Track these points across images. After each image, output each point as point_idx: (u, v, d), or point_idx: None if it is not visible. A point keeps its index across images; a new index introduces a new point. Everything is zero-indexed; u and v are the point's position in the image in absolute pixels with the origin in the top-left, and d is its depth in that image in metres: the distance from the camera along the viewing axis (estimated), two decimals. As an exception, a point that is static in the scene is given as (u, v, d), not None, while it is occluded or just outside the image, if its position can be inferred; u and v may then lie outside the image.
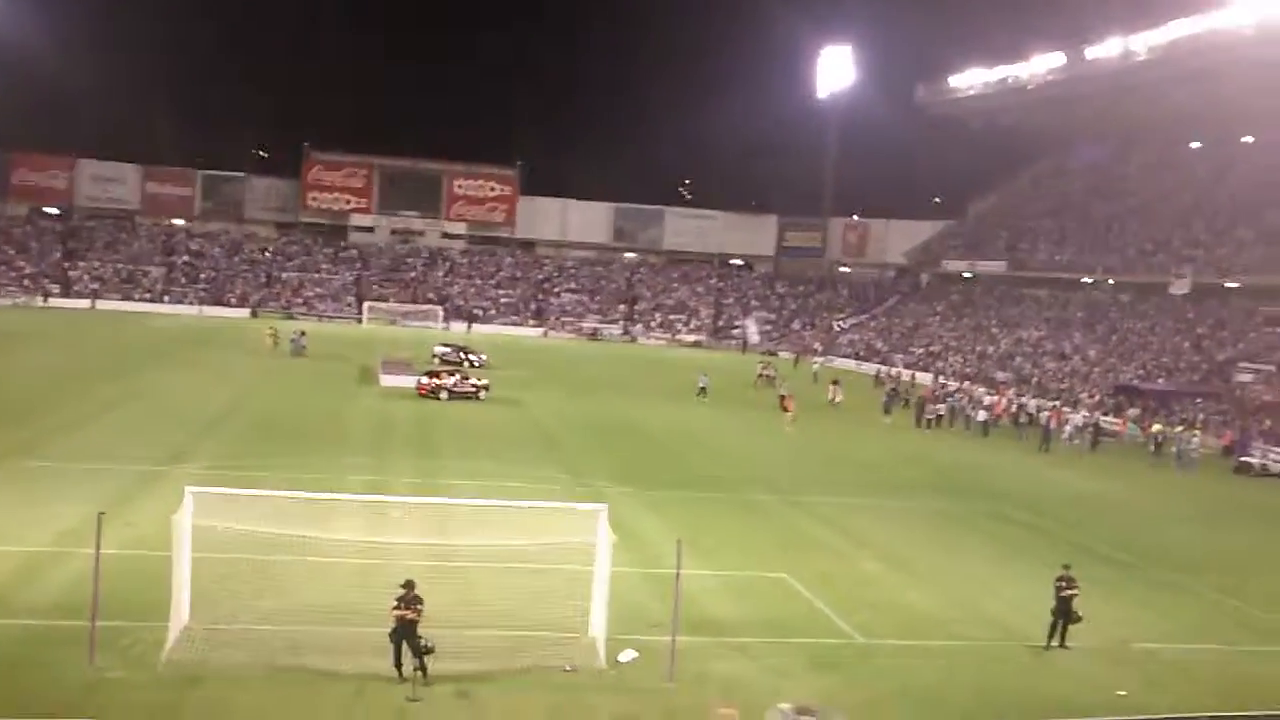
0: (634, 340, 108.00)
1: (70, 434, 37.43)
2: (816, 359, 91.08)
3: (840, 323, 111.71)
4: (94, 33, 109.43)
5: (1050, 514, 36.76)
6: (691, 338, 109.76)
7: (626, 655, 19.57)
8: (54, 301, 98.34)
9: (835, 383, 64.14)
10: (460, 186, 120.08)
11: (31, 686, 17.02)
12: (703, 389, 61.71)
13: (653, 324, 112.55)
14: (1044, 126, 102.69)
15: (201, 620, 19.26)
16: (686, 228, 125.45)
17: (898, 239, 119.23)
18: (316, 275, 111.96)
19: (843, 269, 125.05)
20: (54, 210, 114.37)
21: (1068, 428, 56.34)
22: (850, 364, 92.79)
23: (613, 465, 38.61)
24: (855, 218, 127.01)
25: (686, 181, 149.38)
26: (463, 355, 68.44)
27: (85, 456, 33.64)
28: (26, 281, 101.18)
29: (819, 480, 39.87)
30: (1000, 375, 78.45)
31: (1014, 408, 61.19)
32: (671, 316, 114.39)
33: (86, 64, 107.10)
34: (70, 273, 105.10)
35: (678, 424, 50.71)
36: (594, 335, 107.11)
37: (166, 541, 19.29)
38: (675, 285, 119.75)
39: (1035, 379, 75.84)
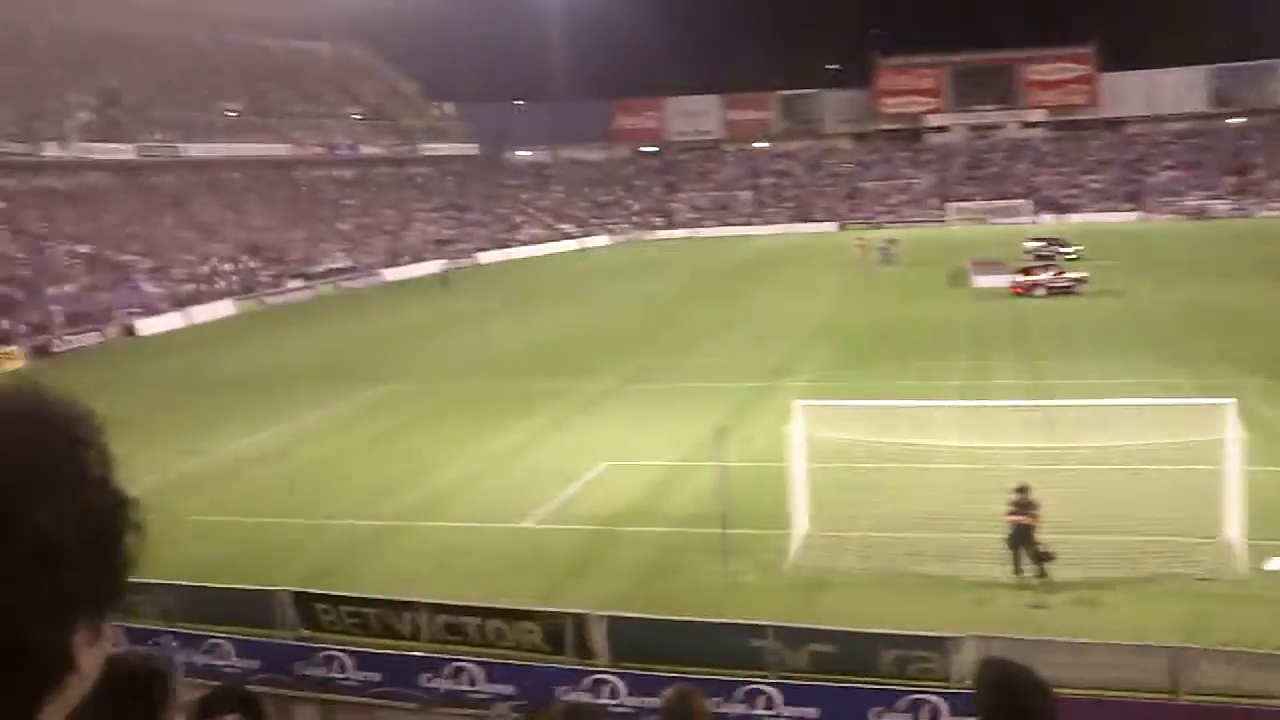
0: (1249, 215, 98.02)
1: (686, 355, 40.41)
2: None
3: None
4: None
5: None
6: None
7: (1274, 563, 17.86)
8: (660, 234, 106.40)
9: None
10: (1035, 72, 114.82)
11: (675, 588, 18.66)
12: None
13: (1272, 193, 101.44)
14: None
15: (820, 528, 20.04)
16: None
17: None
18: (897, 182, 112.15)
19: None
20: (651, 149, 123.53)
21: None
22: None
23: (1237, 353, 35.23)
24: None
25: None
26: (1055, 248, 65.61)
27: (701, 376, 36.14)
28: (635, 218, 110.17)
29: None
30: None
31: None
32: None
33: (664, 8, 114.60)
34: (670, 205, 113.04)
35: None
36: (1199, 214, 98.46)
37: (781, 453, 20.23)
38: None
39: None
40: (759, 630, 15.45)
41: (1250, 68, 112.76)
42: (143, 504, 1.24)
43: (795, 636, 15.45)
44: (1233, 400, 18.99)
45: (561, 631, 16.07)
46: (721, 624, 16.07)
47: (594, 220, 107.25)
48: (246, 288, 66.50)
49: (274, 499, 24.83)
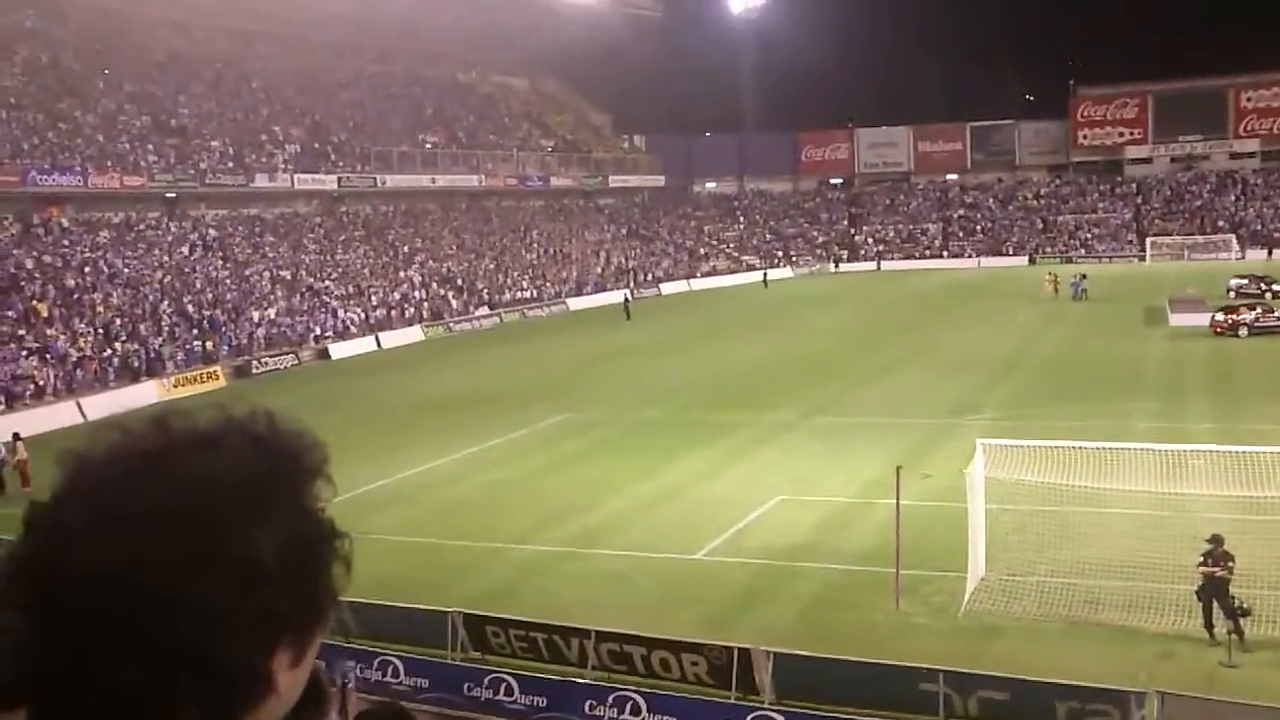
0: None
1: (866, 389, 39.91)
2: None
3: None
4: (855, 9, 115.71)
5: None
6: None
7: None
8: (843, 266, 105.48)
9: None
10: (1248, 99, 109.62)
11: (844, 626, 18.39)
12: None
13: None
14: None
15: (997, 571, 19.50)
16: None
17: None
18: (1092, 215, 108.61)
19: None
20: (837, 181, 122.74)
21: None
22: None
23: None
24: None
25: None
26: (1263, 286, 62.53)
27: (881, 410, 35.62)
28: (819, 250, 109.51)
29: None
30: None
31: None
32: None
33: (851, 41, 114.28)
34: (855, 237, 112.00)
35: None
36: None
37: (960, 492, 19.76)
38: None
39: None
40: (929, 674, 15.09)
41: None
42: (350, 537, 1.28)
43: (966, 682, 15.04)
44: None
45: (727, 666, 15.99)
46: (891, 666, 15.75)
47: (778, 252, 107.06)
48: (435, 314, 68.48)
49: (453, 520, 25.46)
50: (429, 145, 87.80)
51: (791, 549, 22.25)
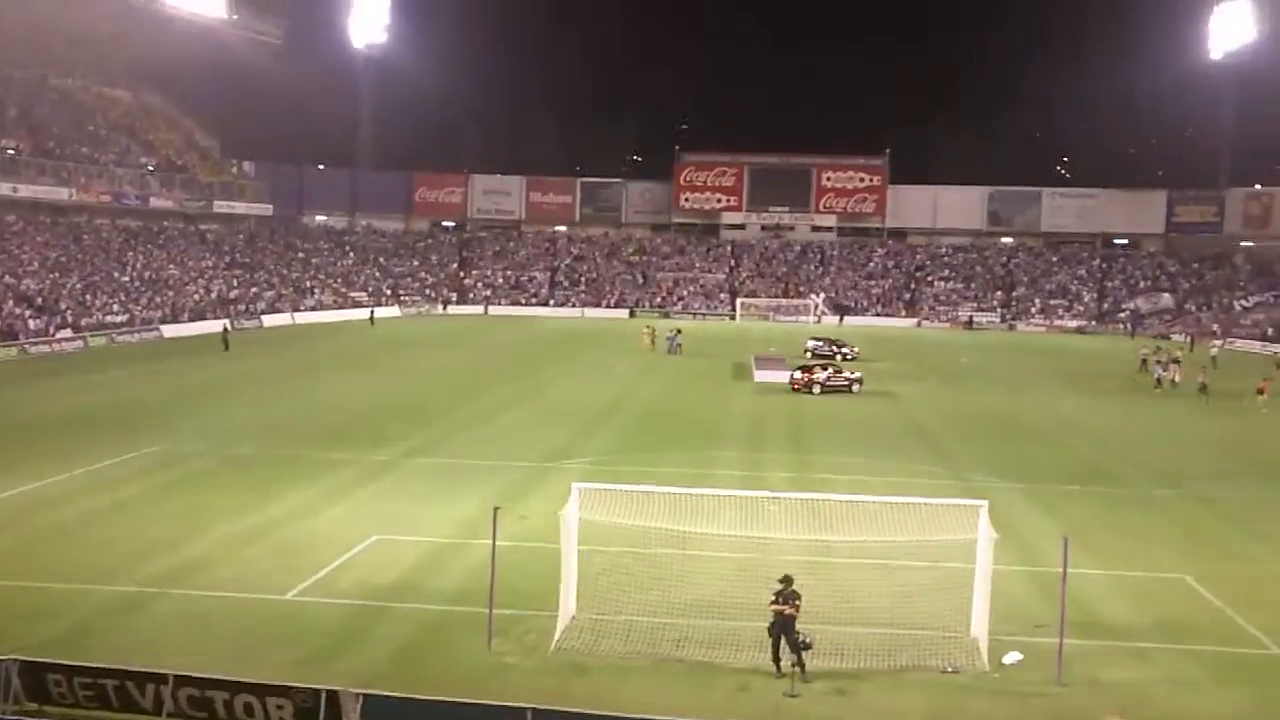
0: (1012, 328, 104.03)
1: (469, 431, 40.14)
2: (1215, 342, 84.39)
3: (1242, 302, 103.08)
4: (477, 58, 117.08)
5: None
6: (1074, 323, 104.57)
7: (1011, 657, 18.78)
8: (451, 309, 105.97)
9: (1175, 361, 59.26)
10: (829, 179, 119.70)
11: (438, 666, 18.31)
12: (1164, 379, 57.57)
13: (1032, 310, 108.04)
14: None
15: (588, 610, 20.06)
16: (1066, 208, 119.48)
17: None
18: (690, 274, 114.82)
19: (1244, 243, 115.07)
20: (450, 223, 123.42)
21: None
22: (1255, 345, 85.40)
23: (992, 458, 37.25)
24: (1258, 187, 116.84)
25: (1064, 159, 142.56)
26: (835, 348, 68.17)
27: (482, 453, 35.93)
28: (429, 290, 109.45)
29: (1218, 472, 36.52)
30: None
31: None
32: (1052, 302, 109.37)
33: (473, 89, 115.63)
34: (465, 281, 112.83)
35: (1061, 414, 48.30)
36: (970, 324, 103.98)
37: (556, 534, 20.22)
38: (1055, 269, 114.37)
39: None
40: (517, 712, 15.29)
41: (1020, 192, 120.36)
42: None
43: (553, 719, 15.34)
44: (985, 502, 19.95)
45: (314, 709, 15.55)
46: (480, 705, 15.82)
47: (386, 290, 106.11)
48: (9, 334, 63.03)
49: (21, 557, 23.40)
50: (10, 151, 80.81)
51: (386, 589, 21.97)
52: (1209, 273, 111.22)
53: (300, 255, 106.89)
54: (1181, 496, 32.51)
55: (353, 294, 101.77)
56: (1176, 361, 60.17)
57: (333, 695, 15.58)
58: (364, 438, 37.70)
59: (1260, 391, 52.14)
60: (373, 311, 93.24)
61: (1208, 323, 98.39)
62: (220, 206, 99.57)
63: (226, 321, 75.48)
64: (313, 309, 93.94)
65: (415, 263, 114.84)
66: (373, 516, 27.41)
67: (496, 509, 19.89)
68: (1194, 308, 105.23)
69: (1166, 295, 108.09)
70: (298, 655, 18.44)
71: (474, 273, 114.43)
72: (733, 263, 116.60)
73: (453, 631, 19.76)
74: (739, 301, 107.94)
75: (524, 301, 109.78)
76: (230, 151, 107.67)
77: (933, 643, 19.13)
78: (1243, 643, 20.48)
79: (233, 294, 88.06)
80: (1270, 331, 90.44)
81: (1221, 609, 22.12)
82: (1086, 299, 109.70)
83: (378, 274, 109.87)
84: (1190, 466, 37.35)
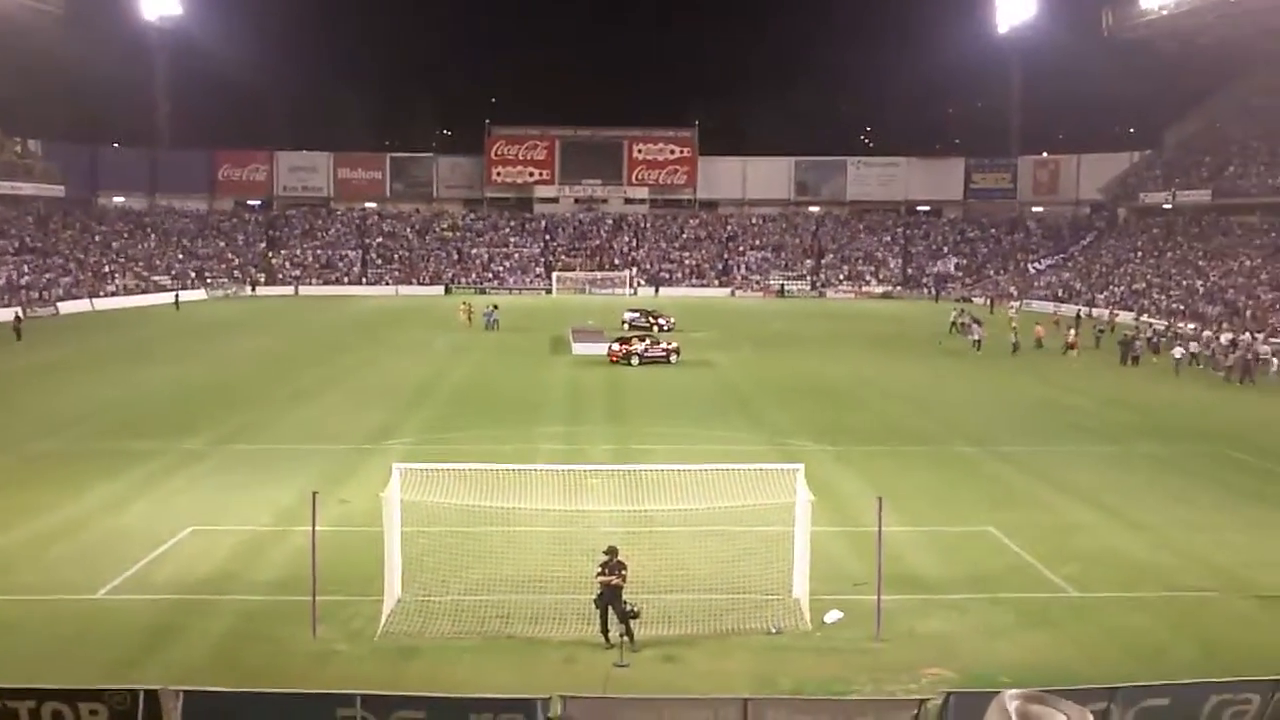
0: (822, 295, 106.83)
1: (285, 415, 39.17)
2: (1013, 303, 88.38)
3: (1035, 264, 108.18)
4: (280, 30, 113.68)
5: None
6: (880, 289, 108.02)
7: (832, 616, 19.39)
8: (260, 290, 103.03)
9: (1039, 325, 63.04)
10: (640, 151, 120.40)
11: (262, 658, 17.90)
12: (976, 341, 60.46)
13: (841, 277, 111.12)
14: (1249, 40, 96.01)
15: (413, 592, 19.89)
16: (870, 176, 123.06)
17: (1091, 174, 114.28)
18: (504, 249, 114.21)
19: (1035, 209, 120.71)
20: (256, 202, 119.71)
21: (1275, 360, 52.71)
22: (1049, 306, 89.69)
23: (808, 422, 38.24)
24: (1045, 154, 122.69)
25: (868, 129, 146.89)
26: (651, 320, 68.81)
27: (300, 437, 35.12)
28: (236, 273, 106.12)
29: (1019, 428, 38.46)
30: (1212, 310, 74.66)
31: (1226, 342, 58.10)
32: (860, 268, 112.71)
33: (277, 62, 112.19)
34: (274, 261, 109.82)
35: (871, 377, 49.90)
36: (781, 292, 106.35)
37: (378, 517, 19.96)
38: (861, 236, 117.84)
39: (1250, 312, 71.80)
40: (346, 699, 15.05)
41: (826, 162, 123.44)
42: None
43: (383, 705, 15.13)
44: (801, 465, 20.50)
45: (132, 711, 14.98)
46: (307, 695, 15.54)
47: (191, 273, 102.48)
48: None
49: None
50: None
51: (204, 582, 21.32)
52: (1005, 237, 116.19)
53: (98, 239, 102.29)
54: (986, 453, 34.00)
55: (155, 278, 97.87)
56: (979, 322, 63.23)
57: (151, 695, 15.03)
58: (173, 426, 36.37)
59: (1071, 346, 56.45)
60: (177, 295, 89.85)
61: (1005, 285, 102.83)
62: (4, 188, 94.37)
63: (18, 309, 71.65)
64: (113, 294, 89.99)
65: (221, 244, 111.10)
66: (186, 508, 26.51)
67: (316, 494, 19.49)
68: (992, 271, 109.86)
69: (952, 260, 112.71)
70: (112, 656, 17.78)
71: (283, 252, 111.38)
72: (547, 237, 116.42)
73: (276, 621, 19.31)
74: (555, 275, 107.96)
75: (336, 281, 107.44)
76: (13, 130, 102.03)
77: (757, 605, 19.59)
78: (1046, 589, 21.59)
79: (24, 280, 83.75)
80: (1061, 293, 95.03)
81: (1025, 558, 23.27)
82: (892, 265, 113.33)
83: (181, 256, 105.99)
84: (995, 423, 39.12)
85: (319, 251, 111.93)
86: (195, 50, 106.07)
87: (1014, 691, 4.33)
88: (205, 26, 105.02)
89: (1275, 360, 51.54)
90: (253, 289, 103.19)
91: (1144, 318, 74.49)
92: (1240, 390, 48.49)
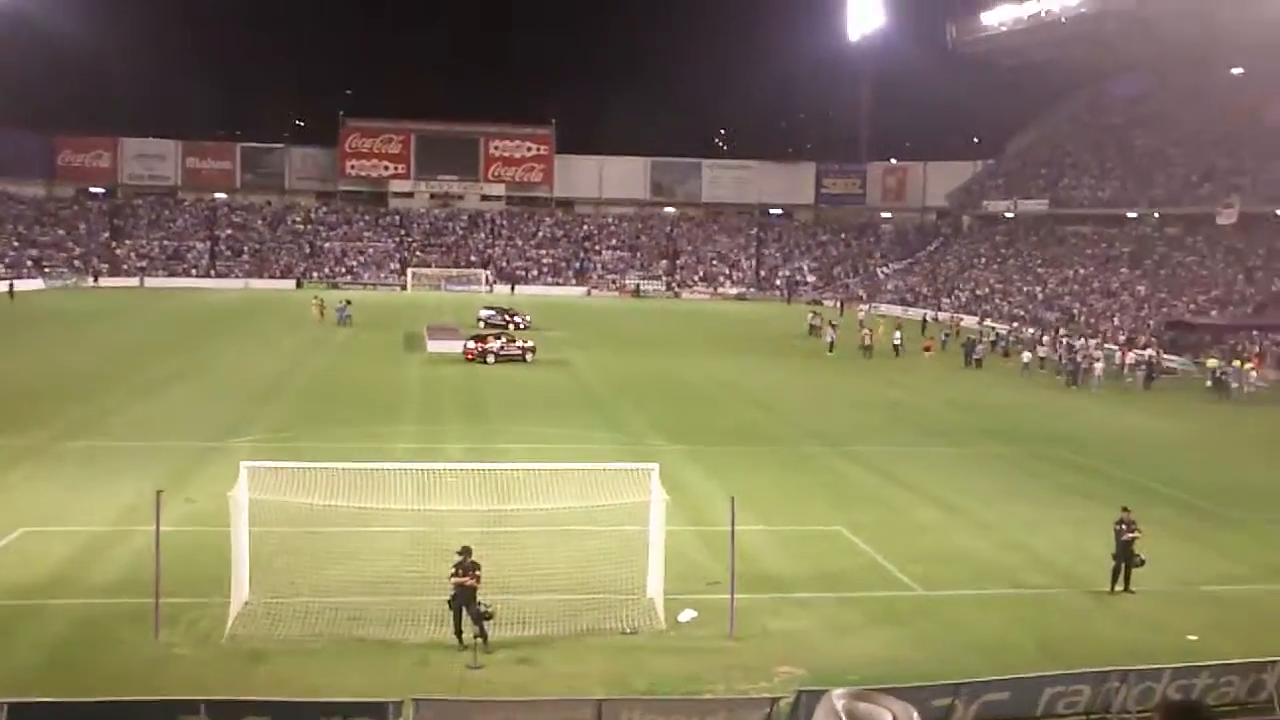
0: (678, 295, 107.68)
1: (126, 411, 37.84)
2: (863, 306, 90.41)
3: (884, 269, 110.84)
4: (127, 12, 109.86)
5: (1106, 455, 35.92)
6: (735, 290, 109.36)
7: (686, 615, 19.54)
8: (103, 281, 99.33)
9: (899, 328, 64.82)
10: (496, 148, 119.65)
11: (101, 664, 17.26)
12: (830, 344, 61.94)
13: (695, 278, 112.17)
14: (1079, 60, 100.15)
15: (262, 594, 19.40)
16: (724, 179, 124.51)
17: (937, 182, 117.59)
18: (358, 243, 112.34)
19: (884, 214, 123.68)
20: (99, 190, 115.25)
21: (1124, 366, 55.53)
22: (897, 309, 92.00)
23: (662, 422, 38.48)
24: (893, 161, 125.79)
25: (722, 132, 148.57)
26: (507, 318, 68.47)
27: (142, 434, 33.99)
28: (77, 262, 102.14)
29: (869, 429, 39.35)
30: (1050, 315, 77.61)
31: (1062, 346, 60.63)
32: (714, 268, 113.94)
33: (123, 44, 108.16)
34: (117, 251, 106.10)
35: (725, 378, 50.47)
36: (637, 292, 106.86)
37: (225, 516, 19.42)
38: (716, 237, 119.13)
39: (1083, 318, 74.81)
40: (189, 706, 14.63)
41: (681, 164, 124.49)
42: None
43: (228, 710, 14.77)
44: (656, 465, 20.61)
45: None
46: (149, 702, 15.04)
47: (28, 262, 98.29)
48: None
49: None
50: None
51: (37, 586, 20.44)
52: (855, 241, 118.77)
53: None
54: (838, 453, 34.69)
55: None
56: (833, 325, 64.80)
57: (-25, 707, 14.39)
58: (4, 422, 34.81)
59: (927, 349, 59.25)
60: (12, 285, 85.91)
61: (855, 288, 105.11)
62: None
63: None
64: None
65: (61, 232, 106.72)
66: (18, 508, 25.38)
67: (159, 492, 18.88)
68: (843, 274, 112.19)
69: (805, 263, 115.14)
70: (-65, 665, 16.93)
71: (127, 243, 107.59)
72: (402, 232, 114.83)
73: (116, 626, 18.62)
74: (410, 271, 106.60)
75: (183, 273, 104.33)
76: None
77: (612, 605, 19.62)
78: (892, 586, 22.13)
79: None
80: (909, 297, 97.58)
81: (875, 557, 23.80)
82: (746, 266, 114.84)
83: (16, 244, 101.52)
84: (844, 424, 39.94)
85: (166, 242, 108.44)
86: (33, 26, 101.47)
87: (841, 690, 4.39)
88: (43, 3, 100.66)
89: (1098, 366, 53.77)
90: (95, 280, 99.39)
91: (987, 322, 77.00)
92: (1073, 393, 50.44)
